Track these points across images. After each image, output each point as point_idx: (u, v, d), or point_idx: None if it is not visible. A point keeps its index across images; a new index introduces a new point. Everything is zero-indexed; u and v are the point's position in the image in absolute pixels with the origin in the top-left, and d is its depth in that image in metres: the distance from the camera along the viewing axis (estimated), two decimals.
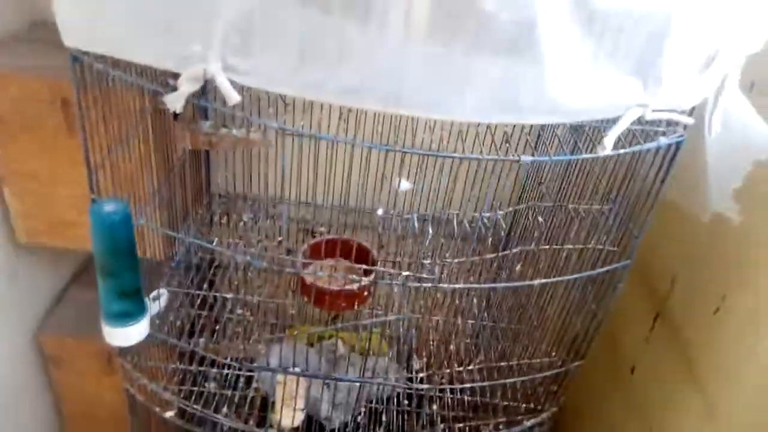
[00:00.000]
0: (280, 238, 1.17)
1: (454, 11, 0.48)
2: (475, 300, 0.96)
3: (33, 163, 0.94)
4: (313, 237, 1.15)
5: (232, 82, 0.54)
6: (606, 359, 1.24)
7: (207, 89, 0.58)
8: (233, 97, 0.54)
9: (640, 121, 0.58)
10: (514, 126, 0.79)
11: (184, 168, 1.05)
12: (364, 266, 0.89)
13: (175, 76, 0.60)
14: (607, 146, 0.55)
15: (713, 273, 0.93)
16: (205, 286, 1.06)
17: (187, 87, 0.54)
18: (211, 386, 0.93)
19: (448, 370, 0.82)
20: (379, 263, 0.95)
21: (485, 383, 0.82)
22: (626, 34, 0.52)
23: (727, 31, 0.58)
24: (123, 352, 0.83)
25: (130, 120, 0.84)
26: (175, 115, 0.95)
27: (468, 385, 0.81)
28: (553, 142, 0.78)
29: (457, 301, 0.92)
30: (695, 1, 0.53)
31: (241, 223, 1.21)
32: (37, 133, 0.90)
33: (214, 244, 1.10)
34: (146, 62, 0.55)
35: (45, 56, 0.93)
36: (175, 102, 0.55)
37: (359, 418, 0.95)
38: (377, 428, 0.92)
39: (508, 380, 0.84)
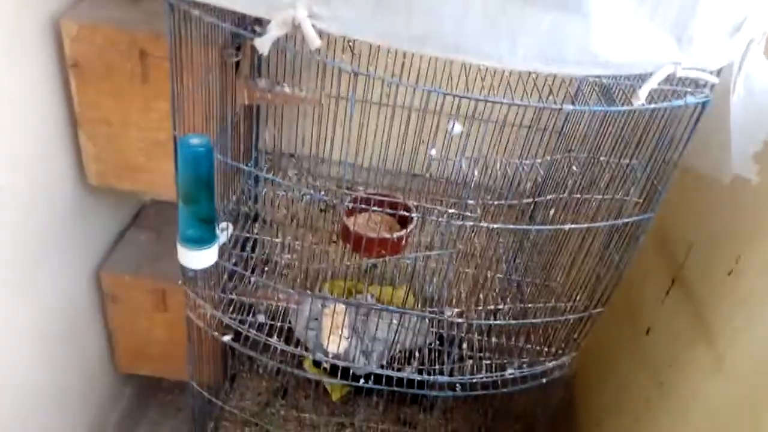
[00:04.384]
0: (323, 193, 1.25)
1: None
2: (502, 251, 1.02)
3: (107, 108, 0.99)
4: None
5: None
6: (624, 321, 1.31)
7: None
8: (316, 42, 0.61)
9: (670, 79, 0.64)
10: (553, 81, 0.84)
11: (239, 121, 1.13)
12: (407, 212, 0.96)
13: (258, 22, 0.68)
14: (641, 97, 0.62)
15: (728, 237, 0.99)
16: (256, 231, 1.15)
17: (276, 31, 0.61)
18: (261, 318, 1.02)
19: (480, 308, 0.90)
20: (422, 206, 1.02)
21: (513, 322, 0.89)
22: None
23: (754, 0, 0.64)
24: (188, 280, 0.92)
25: (199, 73, 0.92)
26: (237, 69, 1.03)
27: (499, 322, 0.88)
28: (591, 97, 0.85)
29: (491, 252, 0.99)
30: None
31: (287, 179, 1.29)
32: (113, 81, 0.96)
33: (263, 193, 1.19)
34: (240, 9, 0.63)
35: (122, 9, 0.98)
36: (264, 45, 0.63)
37: (396, 354, 1.03)
38: (412, 361, 1.00)
39: (533, 320, 0.91)
